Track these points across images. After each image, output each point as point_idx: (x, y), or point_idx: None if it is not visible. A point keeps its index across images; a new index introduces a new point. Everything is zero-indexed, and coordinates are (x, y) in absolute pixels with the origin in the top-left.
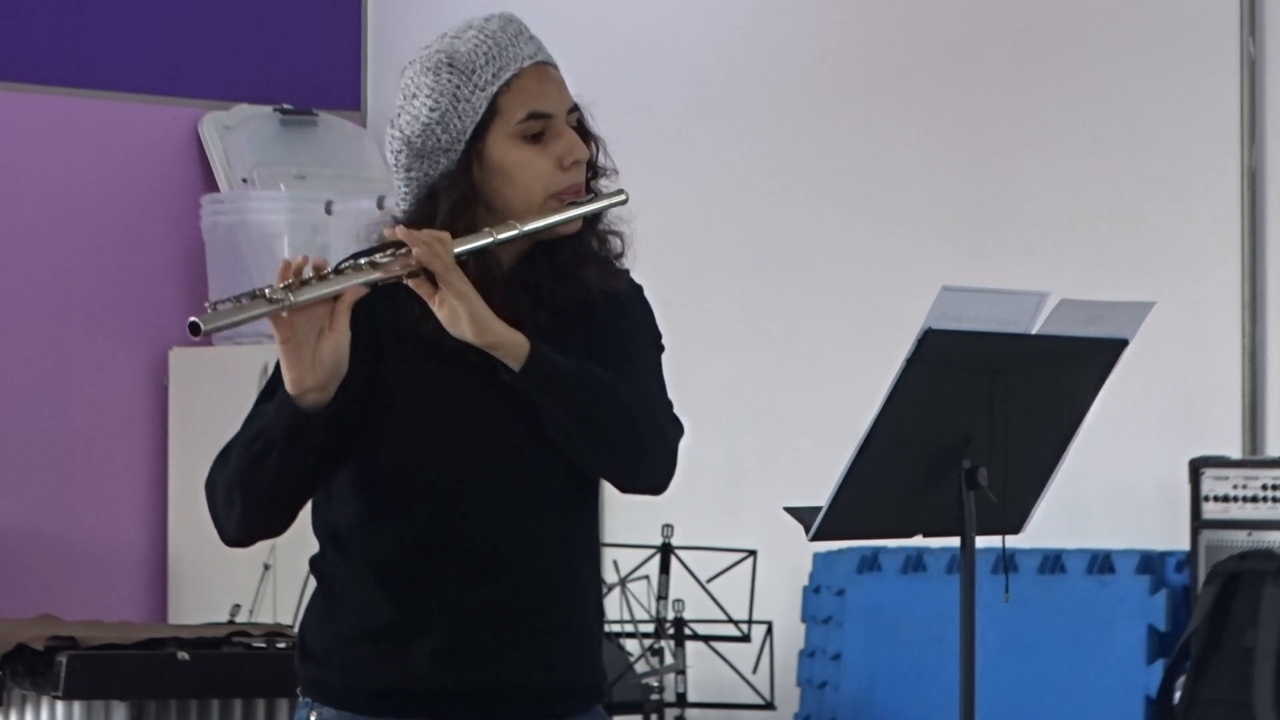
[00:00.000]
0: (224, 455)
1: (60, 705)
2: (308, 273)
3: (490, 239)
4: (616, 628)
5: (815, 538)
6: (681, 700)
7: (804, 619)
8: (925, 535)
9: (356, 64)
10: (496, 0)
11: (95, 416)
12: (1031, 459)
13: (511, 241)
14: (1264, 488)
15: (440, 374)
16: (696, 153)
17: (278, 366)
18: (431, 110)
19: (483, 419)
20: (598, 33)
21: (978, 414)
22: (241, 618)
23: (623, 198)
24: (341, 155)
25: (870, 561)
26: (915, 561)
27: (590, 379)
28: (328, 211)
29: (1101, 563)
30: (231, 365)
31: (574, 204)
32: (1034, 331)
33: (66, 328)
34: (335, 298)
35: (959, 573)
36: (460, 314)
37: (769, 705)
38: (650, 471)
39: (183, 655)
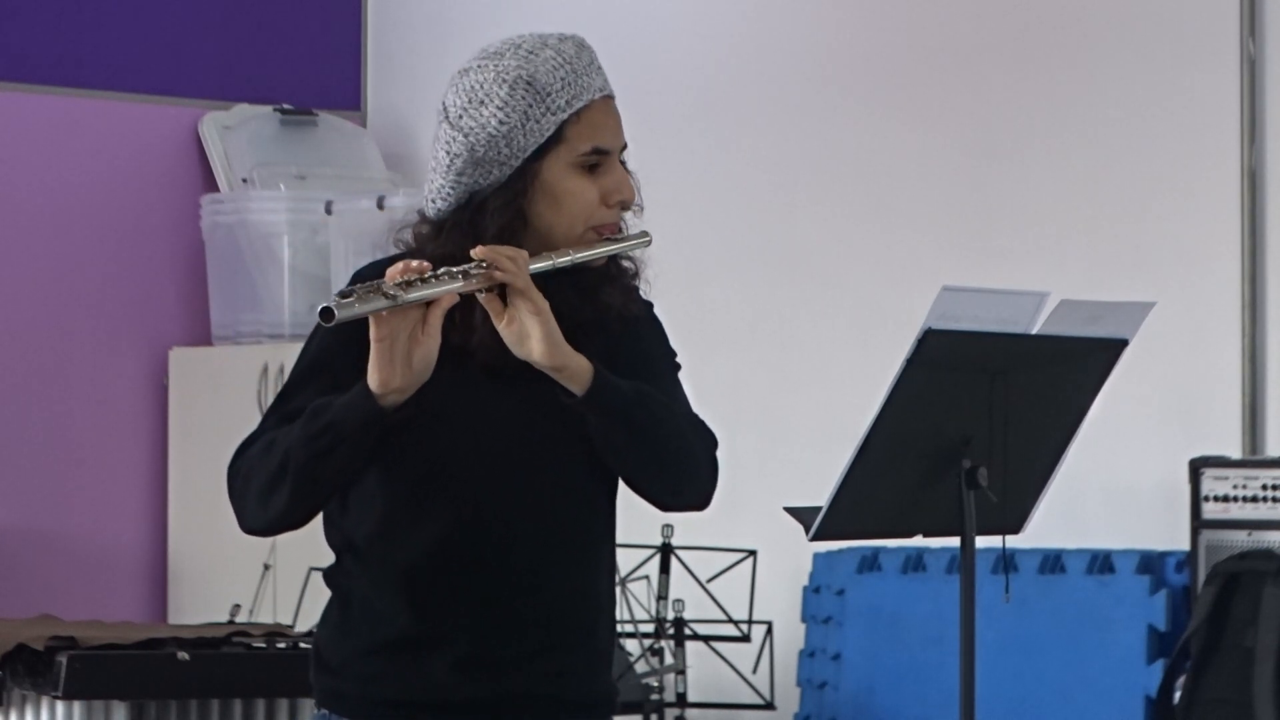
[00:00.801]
0: (266, 447)
1: (60, 705)
2: (414, 277)
3: (551, 264)
4: (617, 628)
5: (815, 538)
6: (681, 700)
7: (804, 619)
8: (925, 535)
9: (356, 64)
10: (498, 2)
11: (95, 416)
12: (1031, 459)
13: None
14: (1264, 488)
15: (465, 385)
16: (696, 152)
17: (295, 369)
18: (501, 124)
19: (505, 431)
20: (598, 32)
21: (978, 414)
22: (241, 618)
23: (648, 240)
24: (341, 155)
25: (870, 561)
26: (915, 561)
27: (650, 400)
28: (328, 211)
29: (1101, 563)
30: (231, 365)
31: (609, 240)
32: (1034, 331)
33: (66, 328)
34: (430, 304)
35: (959, 573)
36: (533, 333)
37: (769, 705)
38: (700, 489)
39: (183, 655)
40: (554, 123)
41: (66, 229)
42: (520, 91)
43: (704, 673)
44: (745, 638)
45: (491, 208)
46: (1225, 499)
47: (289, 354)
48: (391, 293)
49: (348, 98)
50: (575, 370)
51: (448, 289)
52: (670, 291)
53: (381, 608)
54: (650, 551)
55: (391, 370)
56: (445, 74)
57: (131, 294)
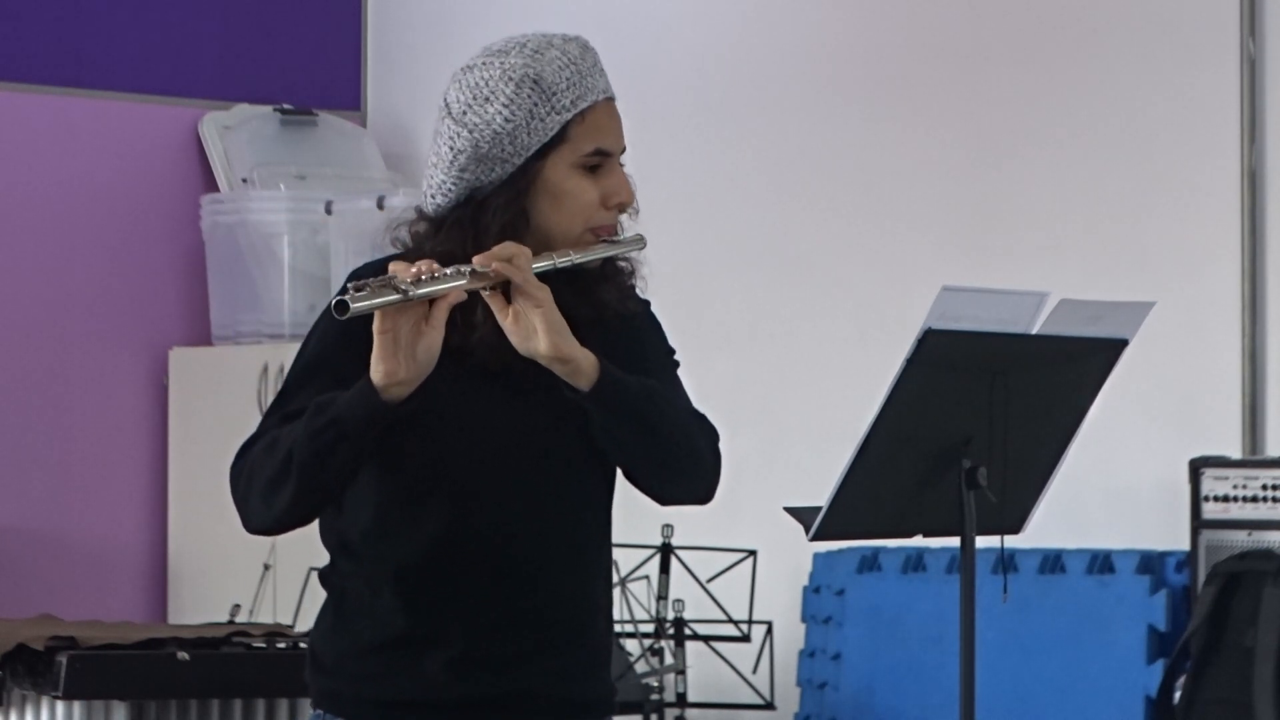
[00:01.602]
0: (269, 446)
1: (60, 705)
2: (424, 275)
3: (552, 264)
4: (617, 628)
5: (815, 538)
6: (681, 700)
7: (804, 619)
8: (925, 535)
9: (356, 64)
10: (498, 2)
11: (95, 416)
12: (1031, 459)
13: (556, 269)
14: (1264, 488)
15: (461, 386)
16: (696, 153)
17: (294, 367)
18: (506, 121)
19: (501, 431)
20: (598, 32)
21: (978, 414)
22: (241, 618)
23: (642, 243)
24: (341, 155)
25: (870, 561)
26: (915, 561)
27: (655, 394)
28: (328, 211)
29: (1101, 563)
30: (231, 365)
31: (606, 241)
32: (1034, 331)
33: (66, 328)
34: (434, 300)
35: (959, 573)
36: (539, 326)
37: (769, 705)
38: (703, 483)
39: (183, 655)
40: (558, 122)
41: (66, 229)
42: (527, 89)
43: (704, 673)
44: (745, 638)
45: (494, 205)
46: (1225, 499)
47: (289, 354)
48: (404, 287)
49: (348, 98)
50: (581, 365)
51: (455, 285)
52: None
53: (376, 607)
54: (650, 551)
55: (396, 362)
56: (446, 74)
57: (131, 294)
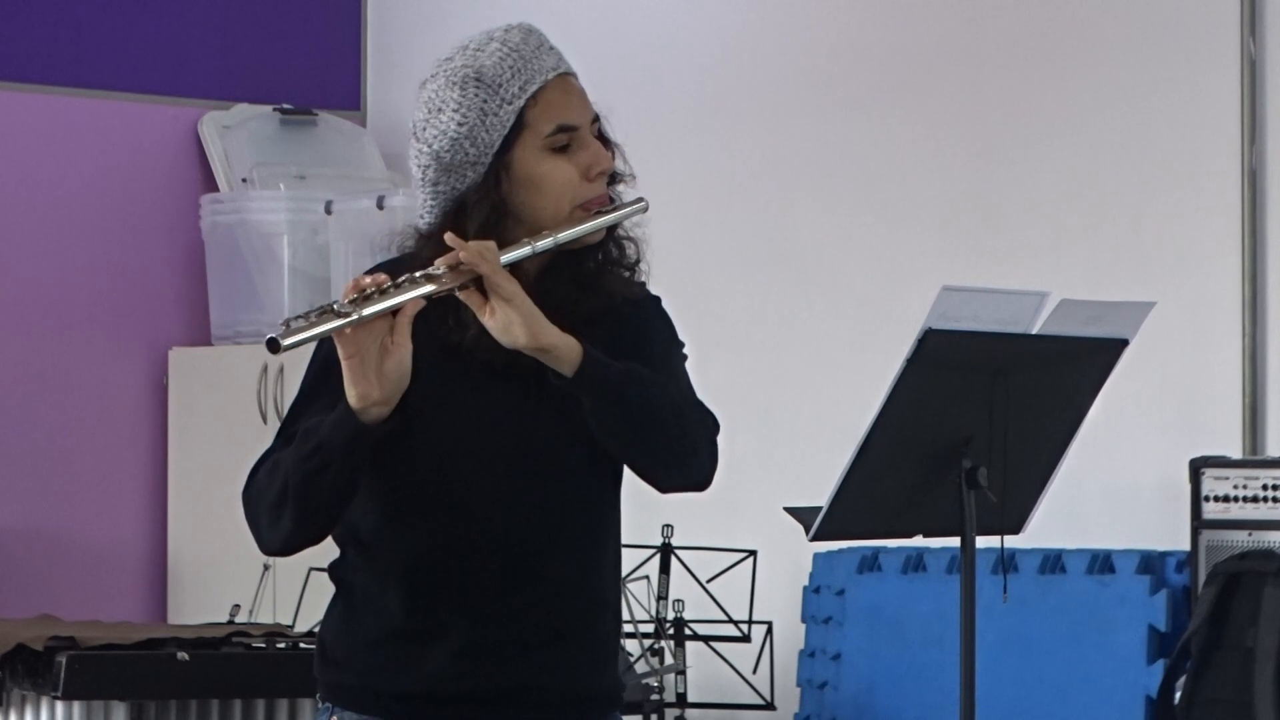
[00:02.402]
0: (271, 469)
1: (60, 705)
2: (370, 290)
3: (530, 249)
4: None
5: (815, 538)
6: (681, 700)
7: (804, 619)
8: (925, 535)
9: (356, 64)
10: (498, 2)
11: (95, 416)
12: (1031, 459)
13: (538, 253)
14: (1264, 488)
15: (465, 381)
16: (697, 153)
17: (304, 384)
18: (460, 125)
19: (505, 426)
20: (598, 33)
21: (978, 414)
22: (241, 618)
23: (643, 205)
24: (341, 155)
25: (870, 561)
26: (915, 561)
27: (642, 378)
28: (327, 211)
29: (1101, 563)
30: (231, 365)
31: (600, 213)
32: (1034, 331)
33: (66, 328)
34: (395, 312)
35: (959, 573)
36: (513, 319)
37: (769, 705)
38: (699, 466)
39: (182, 655)
40: (512, 112)
41: (67, 229)
42: (471, 89)
43: (704, 673)
44: (745, 638)
45: (470, 205)
46: (1225, 499)
47: (288, 354)
48: (345, 310)
49: (348, 98)
50: (563, 351)
51: (411, 296)
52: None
53: (383, 600)
54: (650, 551)
55: (367, 384)
56: None
57: (131, 294)
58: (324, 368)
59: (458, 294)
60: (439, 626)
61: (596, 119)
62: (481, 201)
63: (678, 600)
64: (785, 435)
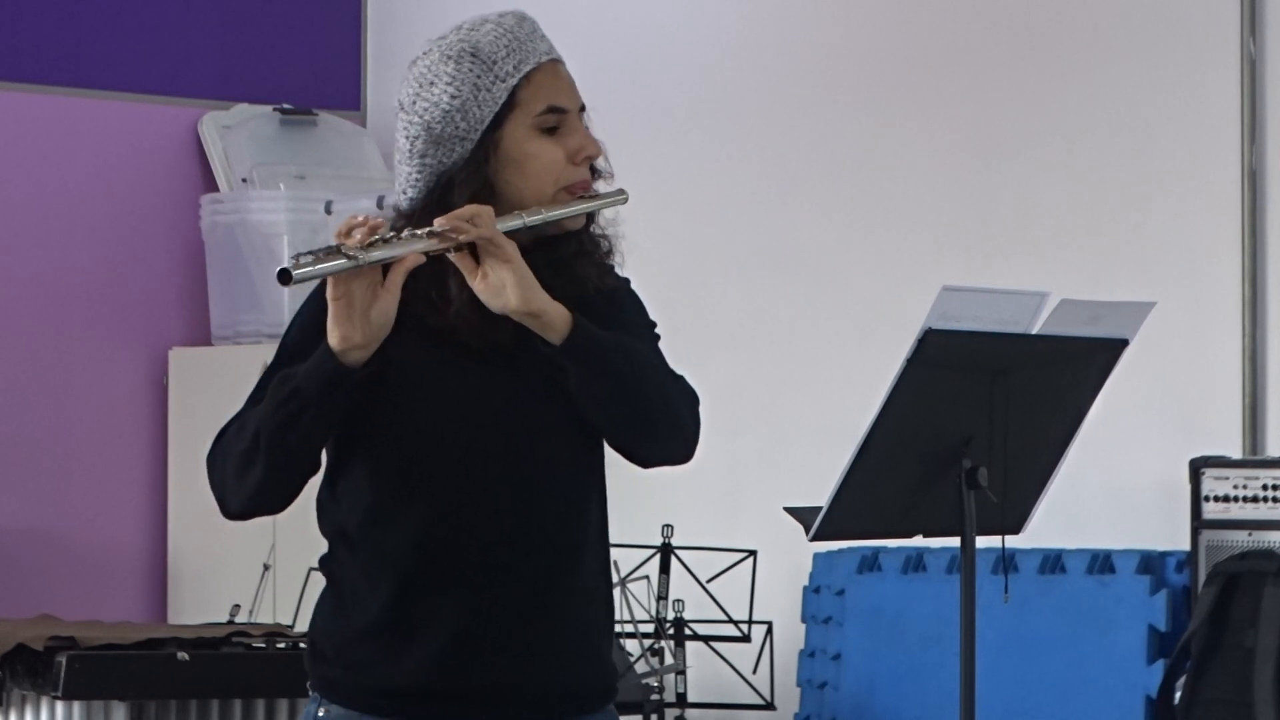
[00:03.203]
0: (240, 427)
1: (60, 705)
2: (375, 238)
3: (521, 222)
4: (617, 628)
5: (815, 538)
6: (681, 700)
7: (804, 619)
8: (925, 535)
9: (356, 64)
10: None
11: (95, 416)
12: (1031, 459)
13: (516, 232)
14: (1264, 488)
15: (446, 366)
16: (696, 153)
17: (274, 360)
18: (453, 98)
19: (487, 411)
20: (598, 32)
21: (978, 414)
22: (241, 618)
23: (624, 197)
24: (341, 155)
25: (870, 561)
26: (915, 561)
27: (629, 348)
28: (327, 211)
29: (1101, 563)
30: (231, 365)
31: (583, 198)
32: (1034, 331)
33: (66, 328)
34: (394, 262)
35: (959, 573)
36: (507, 281)
37: (769, 705)
38: (683, 437)
39: (183, 655)
40: (504, 89)
41: (66, 229)
42: (466, 63)
43: (704, 673)
44: (745, 638)
45: (458, 183)
46: (1225, 499)
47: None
48: (352, 254)
49: (348, 98)
50: (553, 318)
51: (411, 249)
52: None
53: (369, 595)
54: (650, 551)
55: (350, 326)
56: None
57: (131, 294)
58: (300, 339)
59: (450, 256)
60: (424, 621)
61: (583, 109)
62: (469, 179)
63: (678, 600)
64: (785, 435)
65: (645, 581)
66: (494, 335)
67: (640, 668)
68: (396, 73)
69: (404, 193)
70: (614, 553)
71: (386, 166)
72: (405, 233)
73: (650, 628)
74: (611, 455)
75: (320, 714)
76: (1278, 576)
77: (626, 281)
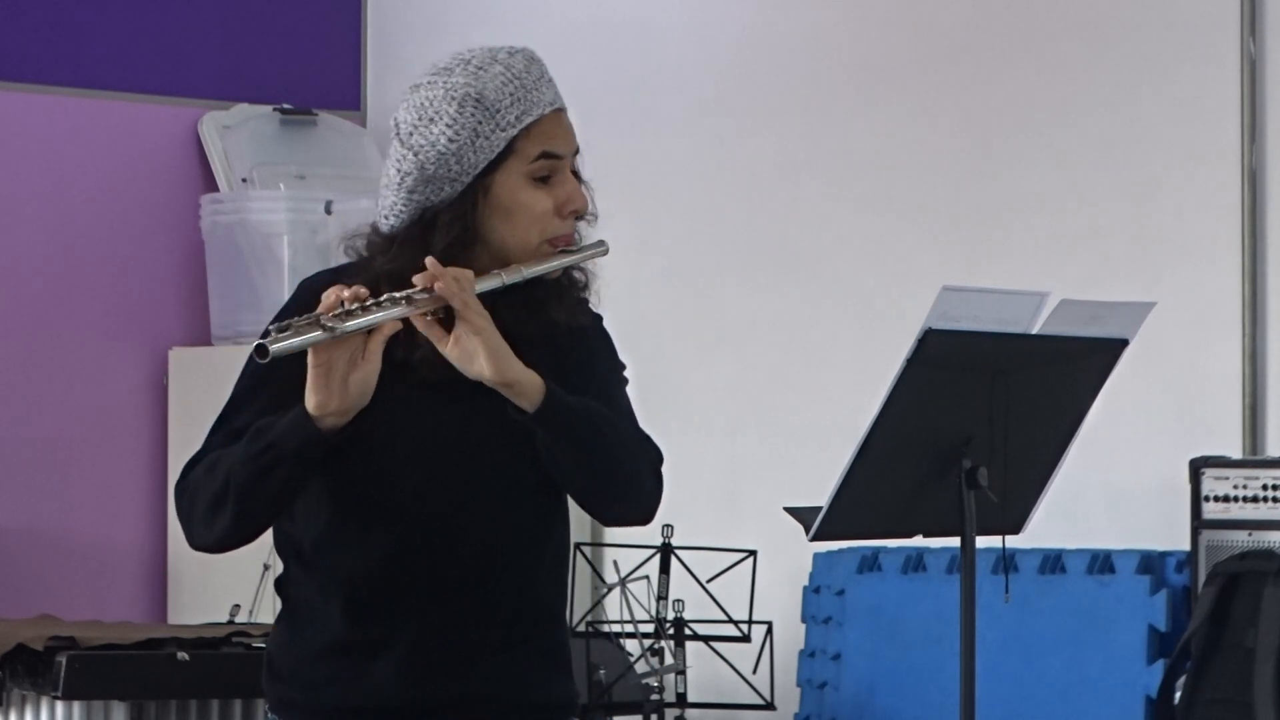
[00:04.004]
0: (210, 466)
1: (60, 705)
2: (354, 306)
3: (500, 282)
4: (616, 628)
5: (815, 538)
6: (681, 700)
7: (804, 619)
8: (925, 535)
9: (356, 64)
10: (498, 2)
11: (95, 416)
12: (1032, 459)
13: (505, 286)
14: (1264, 488)
15: (406, 398)
16: (696, 153)
17: (236, 386)
18: (450, 141)
19: (447, 442)
20: (599, 31)
21: (978, 414)
22: (241, 618)
23: (604, 249)
24: (341, 155)
25: (870, 561)
26: (915, 561)
27: (598, 417)
28: (327, 211)
29: (1101, 563)
30: (231, 365)
31: (565, 251)
32: (1034, 331)
33: (66, 328)
34: (371, 330)
35: (959, 573)
36: (479, 351)
37: (769, 705)
38: (643, 505)
39: (182, 655)
40: (504, 139)
41: (66, 229)
42: (469, 109)
43: (704, 673)
44: (745, 638)
45: (441, 223)
46: (1225, 499)
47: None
48: (329, 325)
49: (348, 98)
50: (526, 387)
51: (388, 316)
52: (671, 291)
53: (326, 614)
54: (650, 551)
55: (329, 394)
56: None
57: (131, 294)
58: (265, 367)
59: (418, 325)
60: (381, 639)
61: (577, 153)
62: (454, 222)
63: (678, 600)
64: (785, 435)
65: (645, 581)
66: (457, 371)
67: (640, 668)
68: (397, 73)
69: (386, 218)
70: (614, 553)
71: (383, 168)
72: (385, 299)
73: (650, 628)
74: None
75: None
76: (1278, 576)
77: (599, 319)
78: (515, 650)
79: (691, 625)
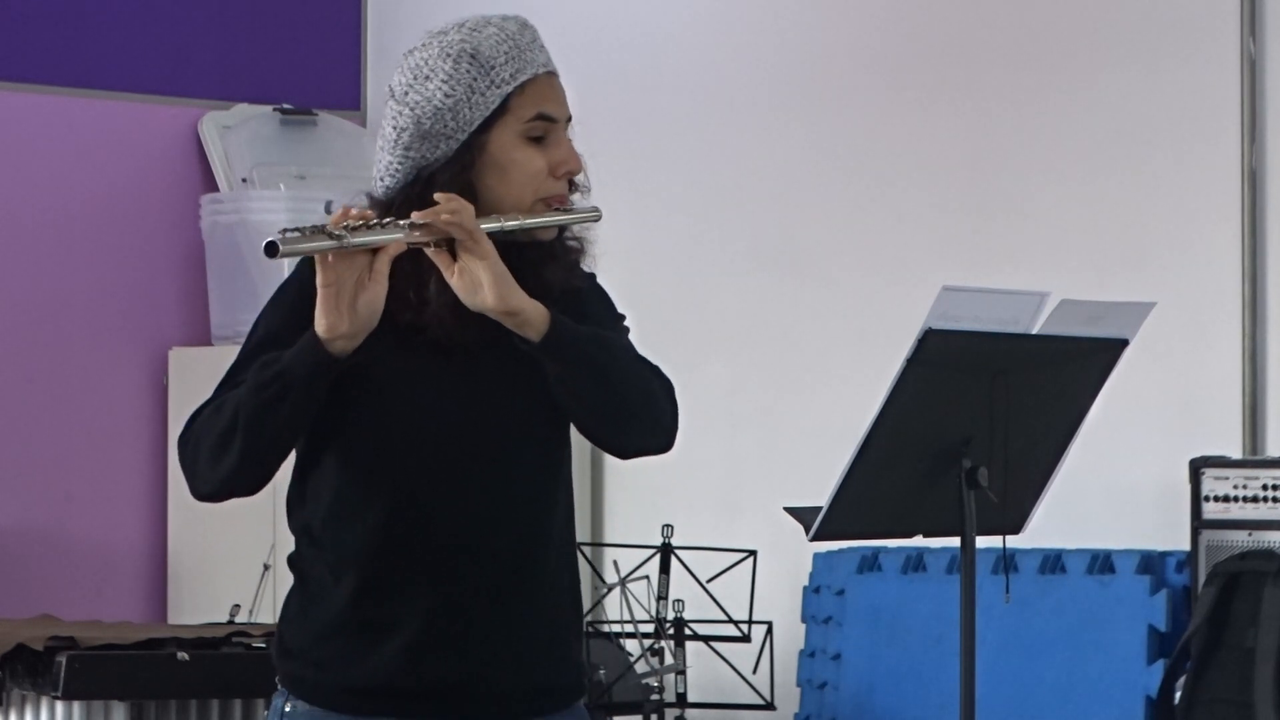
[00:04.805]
0: (216, 409)
1: (60, 705)
2: (359, 223)
3: (499, 225)
4: (616, 628)
5: (815, 538)
6: (681, 700)
7: (804, 619)
8: (925, 535)
9: (356, 64)
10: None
11: (95, 416)
12: (1032, 459)
13: (490, 235)
14: (1264, 488)
15: (414, 365)
16: (696, 153)
17: (244, 347)
18: (446, 96)
19: (453, 409)
20: (598, 33)
21: (978, 414)
22: (241, 618)
23: (598, 214)
24: (341, 155)
25: (870, 561)
26: (915, 561)
27: (607, 341)
28: (327, 211)
29: (1101, 563)
30: None
31: (560, 210)
32: (1034, 331)
33: (66, 328)
34: (377, 250)
35: (959, 573)
36: (484, 279)
37: (769, 705)
38: (664, 426)
39: (182, 655)
40: (499, 95)
41: (66, 229)
42: (465, 64)
43: (704, 673)
44: (745, 638)
45: (439, 181)
46: (1225, 499)
47: None
48: (337, 234)
49: (348, 98)
50: (530, 315)
51: (395, 237)
52: (670, 293)
53: (336, 593)
54: (650, 551)
55: (338, 315)
56: None
57: (131, 294)
58: (275, 325)
59: (429, 251)
60: (390, 619)
61: (570, 121)
62: (451, 179)
63: (678, 600)
64: (785, 435)
65: (645, 581)
66: (465, 337)
67: (640, 668)
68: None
69: (381, 180)
70: (614, 553)
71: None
72: (389, 220)
73: (650, 628)
74: (609, 460)
75: (286, 709)
76: (1278, 576)
77: (592, 277)
78: (523, 631)
79: (691, 625)
